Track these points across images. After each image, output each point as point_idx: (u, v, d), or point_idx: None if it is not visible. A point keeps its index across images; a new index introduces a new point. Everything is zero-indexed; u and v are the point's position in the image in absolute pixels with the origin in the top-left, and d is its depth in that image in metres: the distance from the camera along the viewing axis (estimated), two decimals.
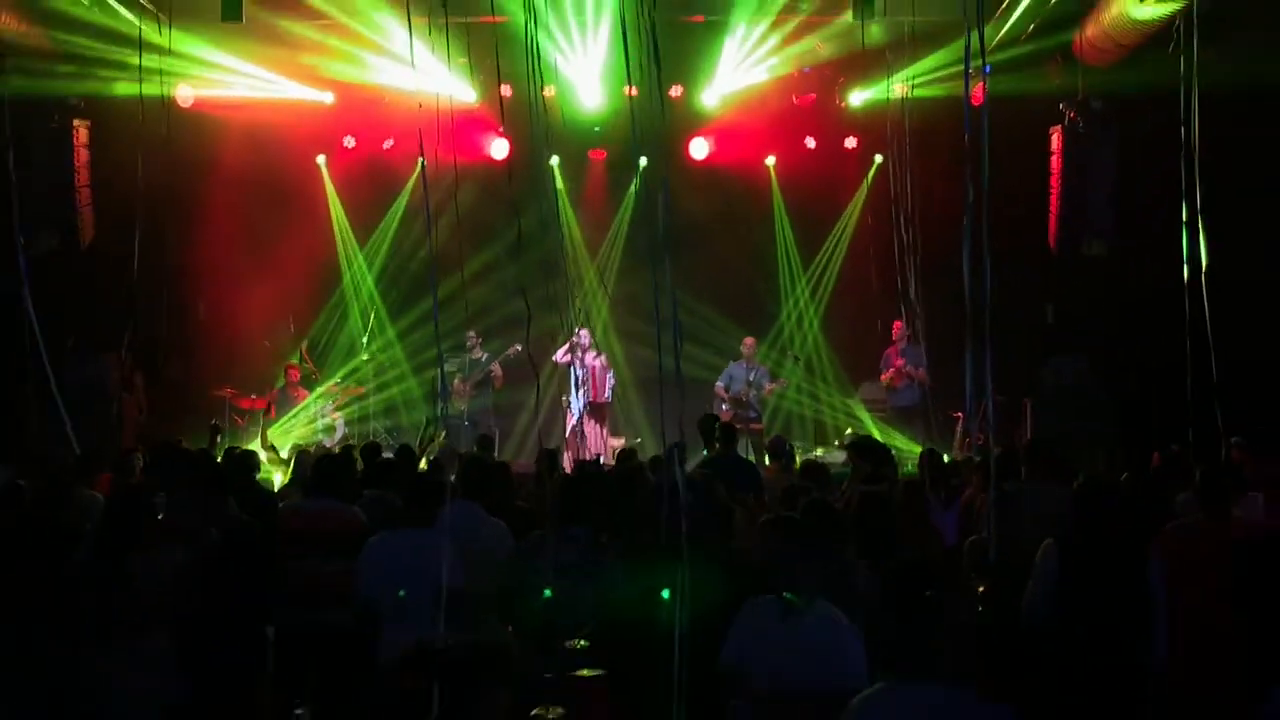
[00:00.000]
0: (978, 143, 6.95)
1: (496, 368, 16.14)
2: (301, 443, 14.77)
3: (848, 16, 14.50)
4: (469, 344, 16.25)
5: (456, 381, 15.50)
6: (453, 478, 8.46)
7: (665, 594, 5.30)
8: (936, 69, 14.64)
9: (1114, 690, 6.36)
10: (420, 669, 5.80)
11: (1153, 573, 6.61)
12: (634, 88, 12.07)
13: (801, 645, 5.36)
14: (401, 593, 6.55)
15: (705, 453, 10.76)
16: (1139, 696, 6.48)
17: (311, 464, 9.29)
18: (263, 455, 13.25)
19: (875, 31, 13.90)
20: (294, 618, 7.56)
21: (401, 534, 7.10)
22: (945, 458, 14.09)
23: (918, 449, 13.49)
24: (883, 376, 16.16)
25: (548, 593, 6.03)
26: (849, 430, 15.68)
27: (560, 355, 15.29)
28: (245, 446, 12.56)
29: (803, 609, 5.42)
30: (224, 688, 6.90)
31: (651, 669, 4.83)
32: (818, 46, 15.99)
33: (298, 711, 6.03)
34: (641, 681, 5.20)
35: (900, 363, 15.80)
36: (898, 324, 15.54)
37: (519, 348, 15.51)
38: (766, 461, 12.73)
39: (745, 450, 14.40)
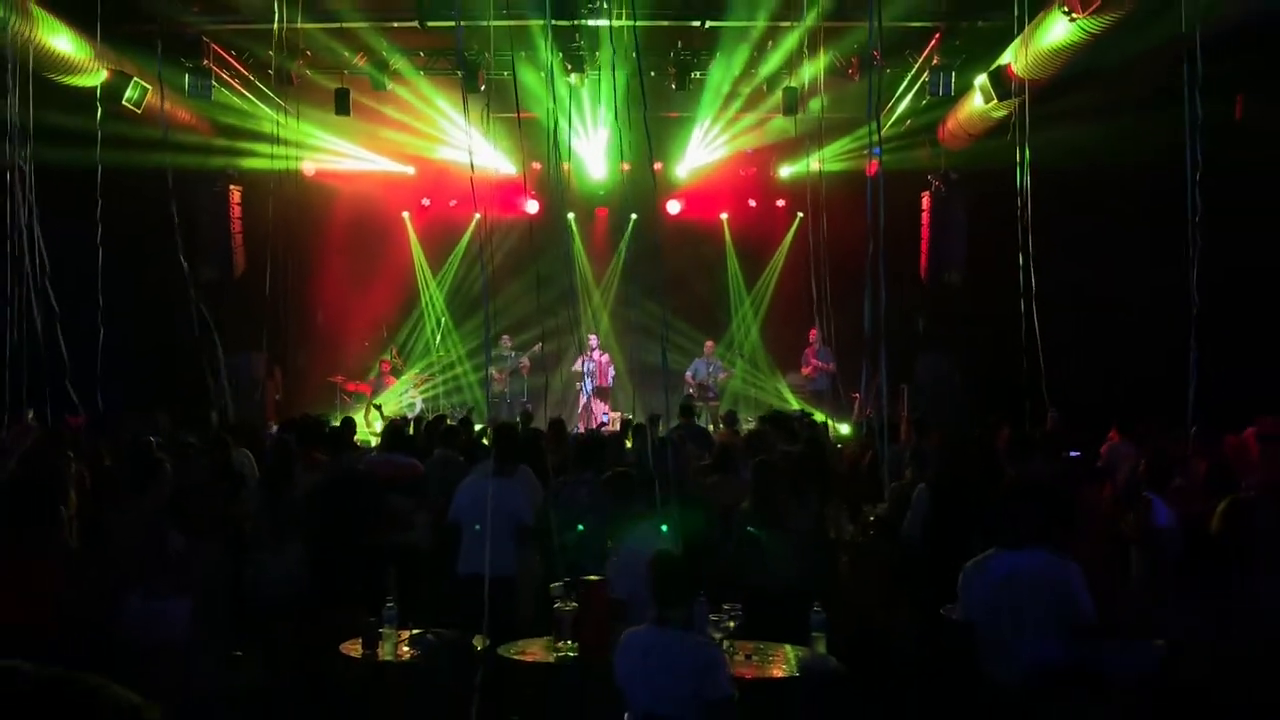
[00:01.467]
0: (874, 202, 6.94)
1: (525, 361, 16.13)
2: (392, 416, 14.76)
3: (779, 113, 14.52)
4: (504, 346, 16.19)
5: (494, 372, 15.45)
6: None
7: (664, 528, 5.27)
8: (842, 151, 14.64)
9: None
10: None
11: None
12: (627, 164, 12.01)
13: None
14: (477, 526, 6.44)
15: (676, 422, 10.77)
16: None
17: (385, 430, 9.31)
18: (366, 422, 13.27)
19: (800, 122, 13.88)
20: (380, 537, 7.59)
21: (484, 481, 7.00)
22: (846, 427, 14.18)
23: (827, 419, 13.54)
24: (803, 369, 16.18)
25: (580, 528, 6.00)
26: (787, 406, 15.66)
27: (577, 365, 15.41)
28: (350, 416, 12.58)
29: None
30: (336, 580, 6.95)
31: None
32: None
33: (389, 604, 5.98)
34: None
35: (815, 359, 15.84)
36: (813, 331, 15.53)
37: (540, 346, 15.51)
38: (721, 427, 12.74)
39: (706, 421, 14.41)
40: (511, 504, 6.27)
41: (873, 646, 6.56)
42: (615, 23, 12.23)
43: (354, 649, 5.64)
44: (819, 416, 14.07)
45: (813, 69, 13.36)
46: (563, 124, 14.06)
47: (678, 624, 4.28)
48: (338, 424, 11.17)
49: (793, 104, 13.76)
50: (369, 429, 13.02)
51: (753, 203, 17.73)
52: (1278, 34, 10.28)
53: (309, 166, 15.77)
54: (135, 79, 11.98)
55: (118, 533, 6.11)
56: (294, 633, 6.76)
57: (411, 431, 10.25)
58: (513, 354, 16.13)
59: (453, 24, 10.09)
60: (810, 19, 12.12)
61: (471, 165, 6.17)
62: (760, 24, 12.98)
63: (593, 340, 15.99)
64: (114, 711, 0.84)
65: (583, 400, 15.87)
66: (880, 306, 6.38)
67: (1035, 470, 6.56)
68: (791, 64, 13.74)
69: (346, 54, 14.10)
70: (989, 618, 4.58)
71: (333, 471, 7.59)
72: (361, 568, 7.35)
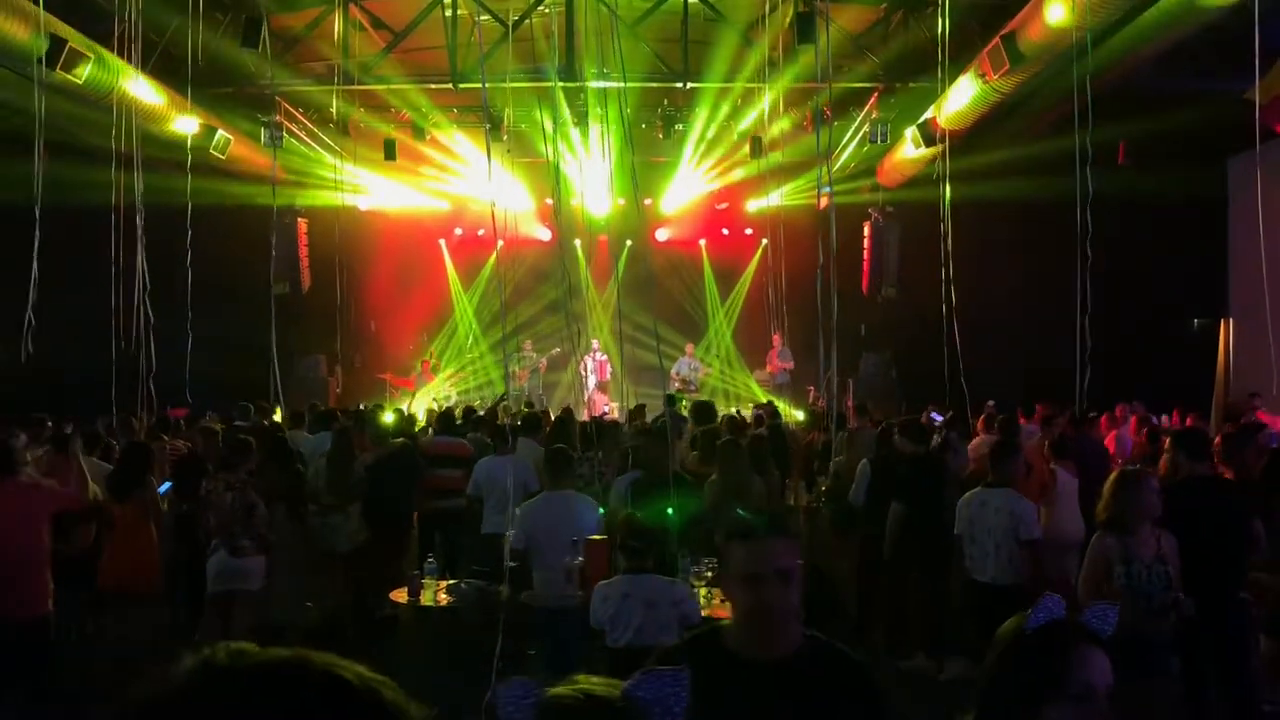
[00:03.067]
0: (825, 231, 6.96)
1: (543, 361, 16.11)
2: (430, 407, 14.75)
3: (747, 157, 14.55)
4: (524, 349, 16.15)
5: (515, 369, 15.44)
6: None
7: (670, 511, 5.27)
8: (798, 188, 14.64)
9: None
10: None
11: None
12: (623, 200, 11.94)
13: None
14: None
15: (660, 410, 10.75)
16: None
17: (437, 417, 9.35)
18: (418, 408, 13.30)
19: (764, 165, 13.92)
20: (430, 503, 7.58)
21: (501, 458, 7.01)
22: (801, 414, 14.16)
23: (786, 408, 13.51)
24: (768, 367, 16.17)
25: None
26: (750, 399, 15.60)
27: (581, 366, 15.43)
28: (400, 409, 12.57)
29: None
30: (387, 537, 6.96)
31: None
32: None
33: (429, 559, 5.99)
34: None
35: (777, 359, 15.83)
36: (776, 336, 15.55)
37: (559, 349, 15.54)
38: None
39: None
40: (519, 475, 6.27)
41: (824, 589, 6.60)
42: (614, 84, 12.27)
43: (402, 596, 5.66)
44: (782, 406, 14.11)
45: (774, 121, 13.38)
46: (567, 168, 14.11)
47: (646, 570, 4.31)
48: (392, 416, 11.21)
49: (758, 150, 13.80)
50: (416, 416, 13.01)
51: (725, 231, 17.71)
52: (1150, 94, 10.40)
53: (362, 202, 15.75)
54: (220, 131, 11.98)
55: (212, 500, 6.12)
56: (354, 573, 6.80)
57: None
58: (532, 355, 16.12)
59: (479, 85, 10.09)
60: (773, 81, 12.16)
61: (494, 203, 6.18)
62: (729, 84, 13.03)
63: (595, 344, 16.03)
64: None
65: (586, 392, 15.87)
66: (831, 315, 6.42)
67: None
68: (758, 117, 13.77)
69: (393, 110, 14.14)
70: (971, 531, 5.48)
71: (383, 452, 7.61)
72: (405, 526, 7.38)
